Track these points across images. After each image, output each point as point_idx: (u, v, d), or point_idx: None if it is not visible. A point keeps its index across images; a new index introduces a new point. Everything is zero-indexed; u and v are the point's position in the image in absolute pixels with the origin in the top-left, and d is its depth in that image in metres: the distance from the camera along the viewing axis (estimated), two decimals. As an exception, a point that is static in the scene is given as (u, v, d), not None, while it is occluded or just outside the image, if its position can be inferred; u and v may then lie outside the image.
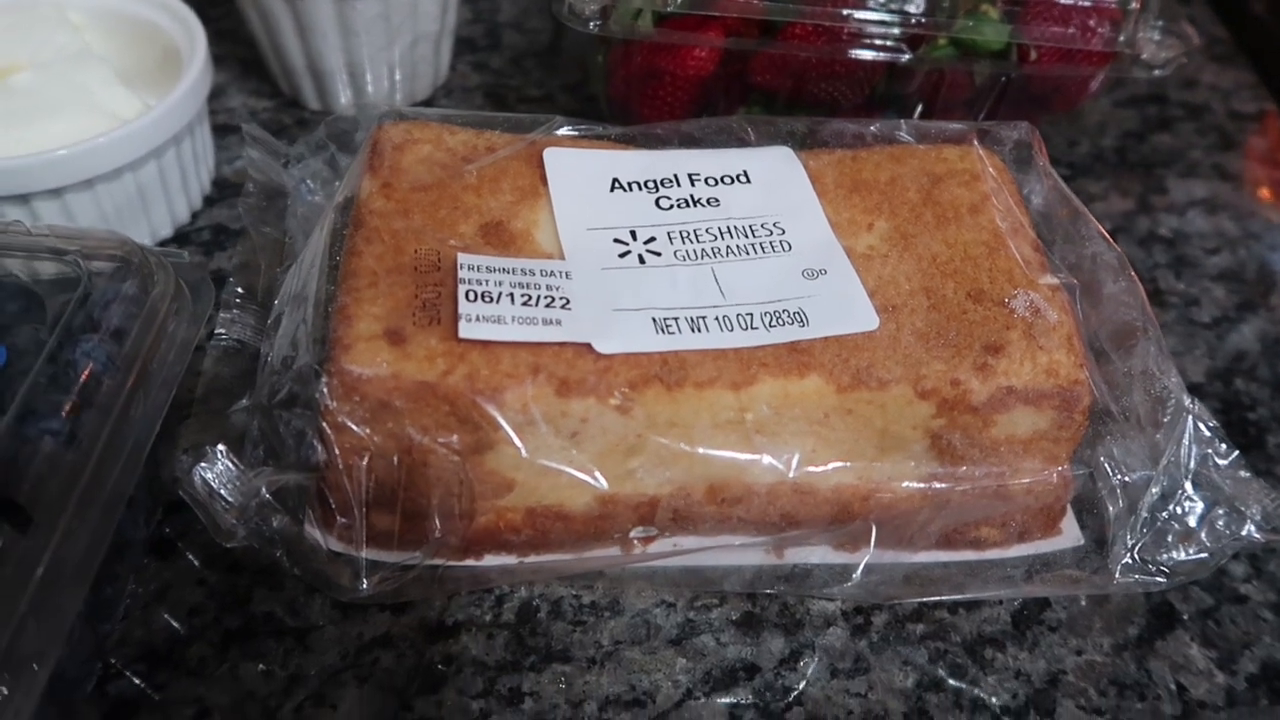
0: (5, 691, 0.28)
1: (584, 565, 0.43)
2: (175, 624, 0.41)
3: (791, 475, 0.40)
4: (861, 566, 0.43)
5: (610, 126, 0.50)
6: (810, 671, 0.42)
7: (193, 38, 0.55)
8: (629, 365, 0.39)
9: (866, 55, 0.56)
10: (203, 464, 0.37)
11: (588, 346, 0.39)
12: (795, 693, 0.41)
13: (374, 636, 0.41)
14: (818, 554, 0.44)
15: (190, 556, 0.43)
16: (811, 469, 0.41)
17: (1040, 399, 0.41)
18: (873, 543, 0.42)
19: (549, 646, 0.42)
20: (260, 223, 0.50)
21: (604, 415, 0.39)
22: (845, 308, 0.42)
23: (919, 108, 0.60)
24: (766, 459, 0.40)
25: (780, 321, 0.41)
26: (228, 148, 0.62)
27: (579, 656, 0.42)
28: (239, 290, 0.47)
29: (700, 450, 0.40)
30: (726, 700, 0.41)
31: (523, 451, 0.38)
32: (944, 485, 0.42)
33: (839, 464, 0.41)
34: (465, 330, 0.38)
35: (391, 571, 0.40)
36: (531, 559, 0.43)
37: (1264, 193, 0.70)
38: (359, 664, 0.40)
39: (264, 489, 0.38)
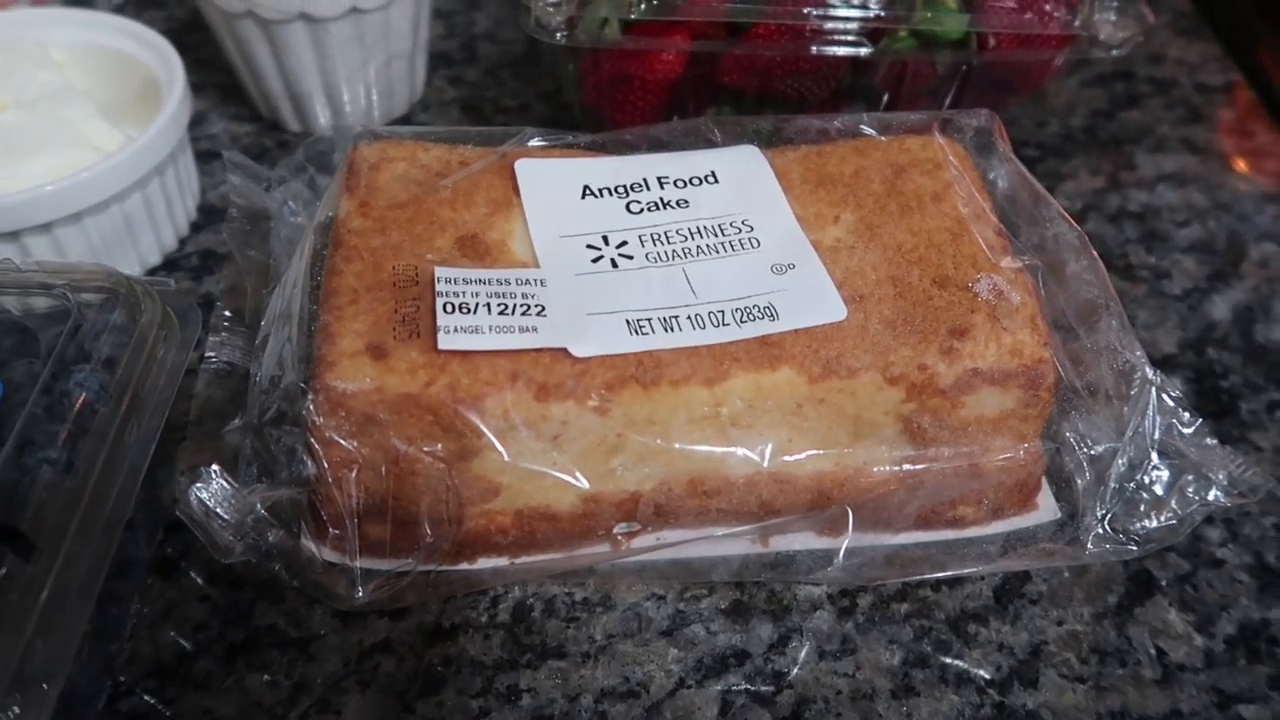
0: (17, 710, 0.29)
1: (574, 563, 0.44)
2: (181, 640, 0.42)
3: (767, 465, 0.42)
4: (843, 550, 0.44)
5: (580, 135, 0.51)
6: (799, 655, 0.43)
7: (171, 68, 0.56)
8: (605, 367, 0.40)
9: (830, 51, 0.57)
10: (198, 484, 0.39)
11: (564, 351, 0.40)
12: (785, 676, 0.43)
13: (374, 643, 0.43)
14: (801, 540, 0.45)
15: (192, 575, 0.44)
16: (787, 458, 0.42)
17: (1006, 379, 0.42)
18: (851, 526, 0.43)
19: (544, 644, 0.43)
20: (245, 246, 0.51)
21: (583, 417, 0.40)
22: (814, 300, 0.43)
23: (884, 99, 0.62)
24: (742, 451, 0.41)
25: (751, 317, 0.42)
26: (211, 174, 0.63)
27: (573, 652, 0.43)
28: (226, 314, 0.48)
29: (678, 446, 0.41)
30: (719, 687, 0.42)
31: (505, 456, 0.39)
32: (917, 467, 0.43)
33: (814, 452, 0.43)
34: (444, 341, 0.39)
35: (386, 579, 0.41)
36: (522, 560, 0.44)
37: (1232, 164, 0.71)
38: (360, 670, 0.42)
39: (259, 505, 0.40)
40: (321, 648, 0.42)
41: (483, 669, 0.42)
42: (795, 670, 0.43)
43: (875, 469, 0.43)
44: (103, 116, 0.55)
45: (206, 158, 0.64)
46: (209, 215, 0.61)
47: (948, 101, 0.62)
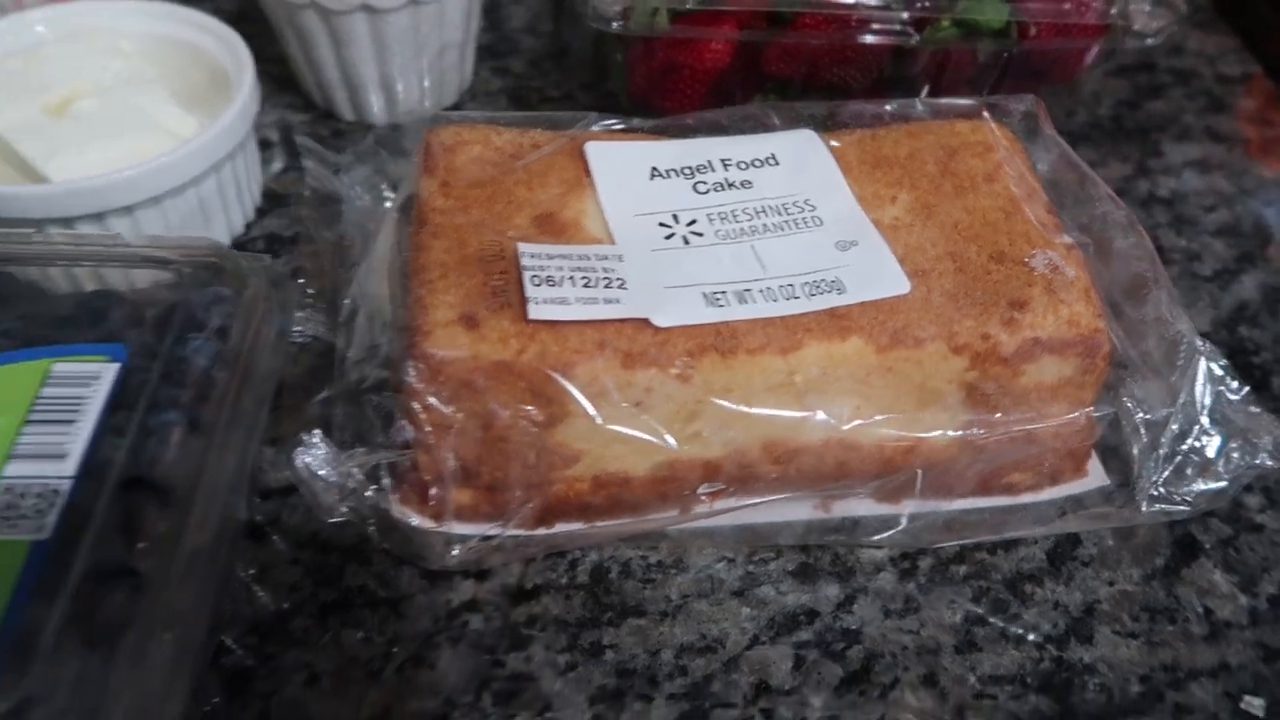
0: (169, 637, 0.31)
1: (648, 526, 0.46)
2: (277, 600, 0.44)
3: (843, 429, 0.44)
4: (906, 515, 0.46)
5: (643, 120, 0.53)
6: (865, 613, 0.45)
7: (238, 57, 0.58)
8: (685, 337, 0.42)
9: (875, 39, 0.59)
10: (301, 448, 0.41)
11: (646, 321, 0.42)
12: (854, 632, 0.45)
13: (461, 602, 0.44)
14: (863, 506, 0.47)
15: (281, 540, 0.46)
16: (858, 423, 0.44)
17: (1064, 348, 0.44)
18: (918, 489, 0.45)
19: (623, 603, 0.45)
20: (319, 227, 0.53)
21: (666, 384, 0.42)
22: (878, 275, 0.45)
23: (925, 88, 0.64)
24: (820, 415, 0.43)
25: (819, 290, 0.44)
26: (268, 160, 0.65)
27: (652, 611, 0.45)
28: (309, 291, 0.50)
29: (755, 411, 0.43)
30: (791, 643, 0.44)
31: (598, 419, 0.41)
32: (980, 432, 0.45)
33: (882, 417, 0.45)
34: (534, 312, 0.41)
35: (476, 541, 0.43)
36: (599, 524, 0.46)
37: (1254, 151, 0.73)
38: (450, 627, 0.44)
39: (356, 469, 0.41)
40: (411, 607, 0.44)
41: (567, 626, 0.44)
42: (862, 627, 0.45)
43: (940, 434, 0.45)
44: (175, 103, 0.57)
45: (262, 145, 0.66)
46: (270, 200, 0.63)
47: (985, 91, 0.64)
